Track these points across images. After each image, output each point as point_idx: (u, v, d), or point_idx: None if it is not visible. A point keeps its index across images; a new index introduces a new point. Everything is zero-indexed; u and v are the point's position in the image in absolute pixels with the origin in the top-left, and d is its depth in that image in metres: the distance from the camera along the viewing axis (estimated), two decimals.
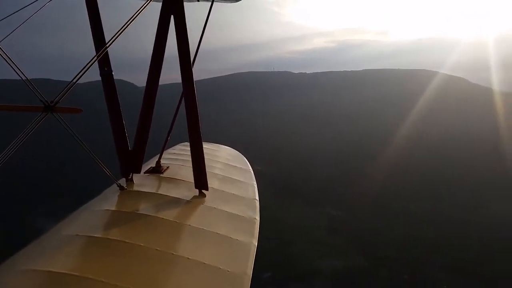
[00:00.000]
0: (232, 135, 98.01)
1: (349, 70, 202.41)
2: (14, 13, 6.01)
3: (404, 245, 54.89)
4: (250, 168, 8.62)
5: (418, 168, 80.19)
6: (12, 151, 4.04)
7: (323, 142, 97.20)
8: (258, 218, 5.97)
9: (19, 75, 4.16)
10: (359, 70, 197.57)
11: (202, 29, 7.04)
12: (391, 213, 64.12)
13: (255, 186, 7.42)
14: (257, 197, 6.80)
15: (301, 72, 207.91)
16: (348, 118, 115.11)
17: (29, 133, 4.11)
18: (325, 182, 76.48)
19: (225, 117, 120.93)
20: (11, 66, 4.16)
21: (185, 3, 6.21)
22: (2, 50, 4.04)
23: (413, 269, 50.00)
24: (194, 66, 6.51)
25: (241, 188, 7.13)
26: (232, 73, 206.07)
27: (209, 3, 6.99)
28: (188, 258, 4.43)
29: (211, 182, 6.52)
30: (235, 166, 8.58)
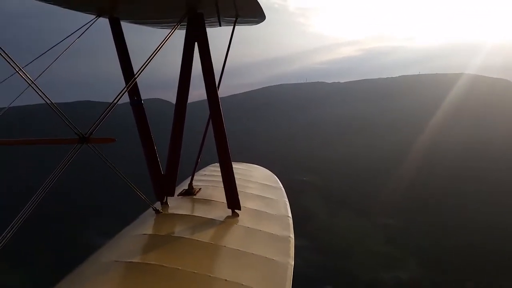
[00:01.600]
0: (274, 148, 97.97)
1: (384, 77, 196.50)
2: (57, 44, 6.13)
3: (466, 254, 51.76)
4: (281, 186, 8.64)
5: (476, 174, 75.80)
6: (53, 181, 4.29)
7: (368, 151, 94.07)
8: (292, 236, 5.92)
9: (56, 112, 4.38)
10: (395, 77, 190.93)
11: (226, 49, 7.26)
12: (449, 221, 60.81)
13: (287, 203, 7.42)
14: (289, 214, 6.78)
15: (335, 82, 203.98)
16: (391, 126, 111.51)
17: (66, 164, 4.37)
18: (376, 191, 73.24)
19: (264, 130, 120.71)
20: (49, 105, 4.43)
21: (208, 29, 6.44)
22: (40, 89, 4.32)
23: (478, 278, 47.18)
24: (220, 86, 6.69)
25: (273, 206, 7.14)
26: (265, 86, 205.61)
27: (231, 27, 7.19)
28: (225, 280, 4.45)
29: (243, 202, 6.56)
30: (266, 184, 8.63)
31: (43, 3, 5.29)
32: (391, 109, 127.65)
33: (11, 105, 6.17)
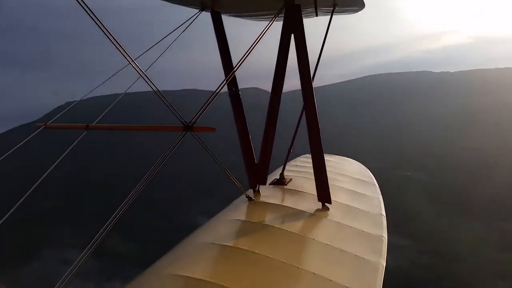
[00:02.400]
0: (374, 141, 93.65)
1: (503, 67, 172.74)
2: (163, 38, 6.51)
3: None
4: (375, 182, 8.29)
5: None
6: (158, 167, 4.69)
7: (482, 147, 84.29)
8: (385, 235, 5.71)
9: (163, 101, 4.74)
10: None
11: (322, 40, 7.16)
12: None
13: (381, 200, 7.11)
14: (383, 213, 6.50)
15: (443, 71, 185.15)
16: (509, 122, 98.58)
17: (171, 151, 4.76)
18: (490, 191, 65.82)
19: (363, 122, 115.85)
20: (157, 94, 4.84)
21: (304, 19, 6.41)
22: (149, 79, 4.73)
23: None
24: (315, 76, 6.66)
25: (366, 202, 6.91)
26: (364, 76, 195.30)
27: (328, 16, 7.04)
28: (314, 273, 4.48)
29: (334, 195, 6.47)
30: (359, 179, 8.36)
31: None
32: (507, 103, 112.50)
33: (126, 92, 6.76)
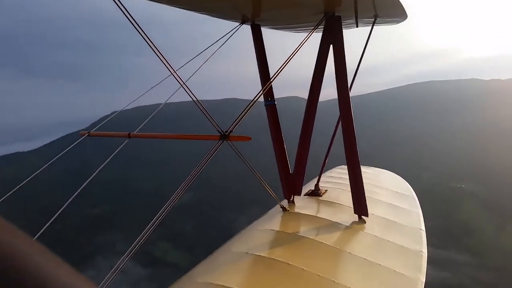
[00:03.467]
0: (421, 152, 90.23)
1: None
2: (207, 48, 6.67)
3: None
4: (415, 195, 8.04)
5: None
6: (197, 174, 4.83)
7: None
8: (425, 251, 5.50)
9: (201, 110, 4.87)
10: None
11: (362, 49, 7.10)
12: None
13: (421, 214, 6.88)
14: (423, 227, 6.29)
15: (494, 79, 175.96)
16: None
17: (208, 159, 4.87)
18: None
19: (407, 132, 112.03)
20: (196, 104, 4.99)
21: (344, 30, 6.38)
22: (189, 89, 4.87)
23: None
24: (353, 86, 6.62)
25: (404, 216, 6.72)
26: (408, 84, 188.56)
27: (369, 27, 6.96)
28: None
29: (371, 208, 6.34)
30: (397, 192, 8.13)
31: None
32: None
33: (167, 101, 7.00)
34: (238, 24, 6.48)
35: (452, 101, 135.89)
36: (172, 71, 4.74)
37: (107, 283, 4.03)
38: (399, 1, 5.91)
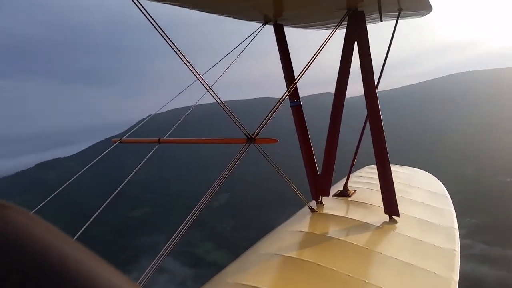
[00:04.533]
0: (462, 146, 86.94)
1: None
2: (232, 50, 6.65)
3: None
4: (447, 193, 7.79)
5: None
6: (224, 178, 4.87)
7: None
8: (458, 249, 5.34)
9: (226, 112, 4.94)
10: None
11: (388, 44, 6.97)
12: None
13: (453, 213, 6.66)
14: (455, 226, 6.09)
15: None
16: None
17: (236, 162, 4.92)
18: None
19: (448, 125, 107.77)
20: (220, 105, 5.07)
21: (368, 25, 6.26)
22: (215, 93, 4.96)
23: None
24: (382, 80, 6.53)
25: (437, 215, 6.52)
26: (448, 74, 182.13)
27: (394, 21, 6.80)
28: None
29: (402, 208, 6.20)
30: (429, 190, 7.91)
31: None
32: None
33: (189, 105, 7.09)
34: (260, 24, 6.51)
35: (490, 92, 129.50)
36: (198, 76, 4.83)
37: (145, 280, 4.14)
38: None
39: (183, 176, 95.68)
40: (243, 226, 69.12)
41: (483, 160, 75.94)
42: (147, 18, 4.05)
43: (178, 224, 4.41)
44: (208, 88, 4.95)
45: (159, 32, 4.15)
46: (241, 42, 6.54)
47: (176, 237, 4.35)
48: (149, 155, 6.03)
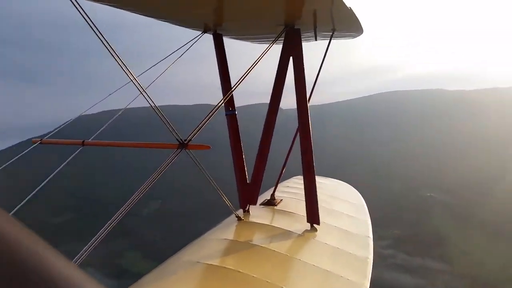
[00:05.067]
0: (392, 161, 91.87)
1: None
2: (166, 57, 6.63)
3: None
4: (364, 204, 8.37)
5: None
6: (151, 184, 4.79)
7: (505, 170, 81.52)
8: (371, 257, 5.73)
9: (159, 116, 4.90)
10: None
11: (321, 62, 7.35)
12: None
13: (369, 222, 7.17)
14: (370, 235, 6.55)
15: (458, 90, 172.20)
16: None
17: (165, 168, 4.85)
18: None
19: (378, 142, 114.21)
20: (153, 109, 4.97)
21: (304, 43, 6.59)
22: (149, 97, 4.87)
23: None
24: (312, 96, 6.82)
25: (354, 224, 6.98)
26: (374, 93, 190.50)
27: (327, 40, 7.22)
28: None
29: (323, 217, 6.52)
30: (349, 201, 8.45)
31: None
32: None
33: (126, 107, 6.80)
34: (200, 33, 6.57)
35: (417, 111, 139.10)
36: (132, 78, 4.74)
37: None
38: (356, 17, 6.18)
39: (112, 182, 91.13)
40: (173, 235, 67.22)
41: (408, 175, 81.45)
42: (82, 16, 3.95)
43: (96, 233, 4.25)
44: (142, 90, 4.89)
45: (94, 31, 4.06)
46: (180, 47, 6.53)
47: (90, 246, 4.18)
48: (71, 157, 5.76)
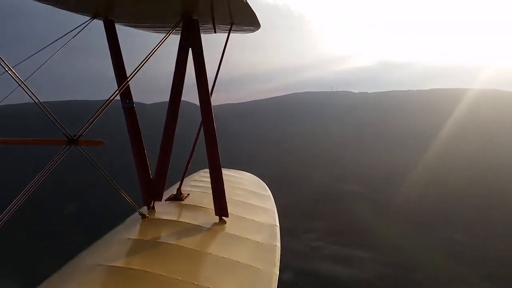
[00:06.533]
0: (312, 156, 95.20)
1: (415, 89, 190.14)
2: (50, 44, 6.11)
3: None
4: (270, 194, 8.59)
5: None
6: (38, 182, 4.29)
7: (415, 162, 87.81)
8: (279, 245, 5.87)
9: (44, 112, 4.38)
10: (425, 90, 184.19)
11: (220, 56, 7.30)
12: None
13: (275, 212, 7.35)
14: (277, 223, 6.72)
15: (361, 92, 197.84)
16: (442, 138, 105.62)
17: (53, 166, 4.37)
18: (438, 203, 67.80)
19: (294, 138, 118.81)
20: (38, 105, 4.48)
21: (202, 35, 6.43)
22: (29, 89, 4.34)
23: None
24: (213, 95, 6.70)
25: (261, 214, 7.09)
26: (289, 93, 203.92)
27: (226, 34, 7.18)
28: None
29: (231, 209, 6.52)
30: (255, 192, 8.58)
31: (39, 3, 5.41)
32: (428, 122, 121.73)
33: (3, 104, 6.23)
34: (89, 18, 6.03)
35: (331, 110, 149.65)
36: (7, 68, 4.20)
37: None
38: (253, 11, 6.23)
39: None
40: (93, 237, 62.82)
41: (326, 168, 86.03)
42: None
43: None
44: (20, 82, 4.36)
45: None
46: (65, 34, 5.96)
47: None
48: None
